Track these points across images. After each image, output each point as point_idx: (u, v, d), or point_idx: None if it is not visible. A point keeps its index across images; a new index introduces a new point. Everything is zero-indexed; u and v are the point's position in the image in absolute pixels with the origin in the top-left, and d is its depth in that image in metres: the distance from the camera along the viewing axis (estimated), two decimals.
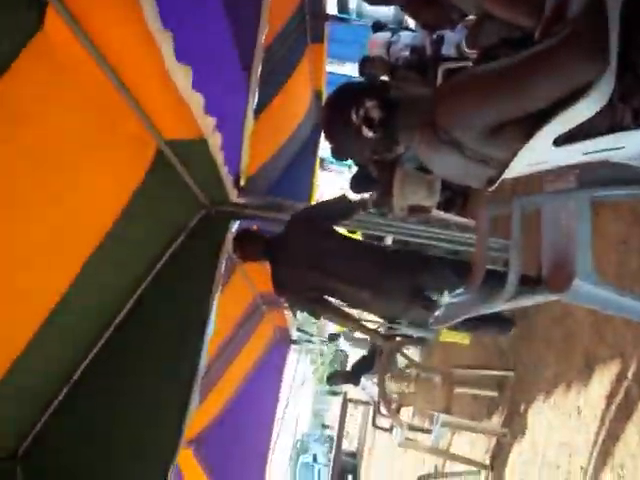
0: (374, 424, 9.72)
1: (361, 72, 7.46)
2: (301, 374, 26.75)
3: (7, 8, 1.97)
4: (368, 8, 12.80)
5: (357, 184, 9.10)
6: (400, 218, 7.27)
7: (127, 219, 3.19)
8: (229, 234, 4.39)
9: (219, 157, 3.69)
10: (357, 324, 5.15)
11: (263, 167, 6.32)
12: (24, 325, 2.88)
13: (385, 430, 9.50)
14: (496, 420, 5.73)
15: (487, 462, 5.67)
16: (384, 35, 8.16)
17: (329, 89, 7.98)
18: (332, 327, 20.43)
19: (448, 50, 6.88)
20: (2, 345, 2.81)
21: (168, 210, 3.86)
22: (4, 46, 2.03)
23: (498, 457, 5.45)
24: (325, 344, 18.01)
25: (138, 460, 3.45)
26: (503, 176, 1.98)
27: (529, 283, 3.20)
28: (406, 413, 8.73)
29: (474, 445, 6.22)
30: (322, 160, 14.08)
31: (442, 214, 7.48)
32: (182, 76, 2.71)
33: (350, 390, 14.76)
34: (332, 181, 23.36)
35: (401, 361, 6.01)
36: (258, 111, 4.53)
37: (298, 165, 8.42)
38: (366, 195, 10.40)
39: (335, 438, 14.61)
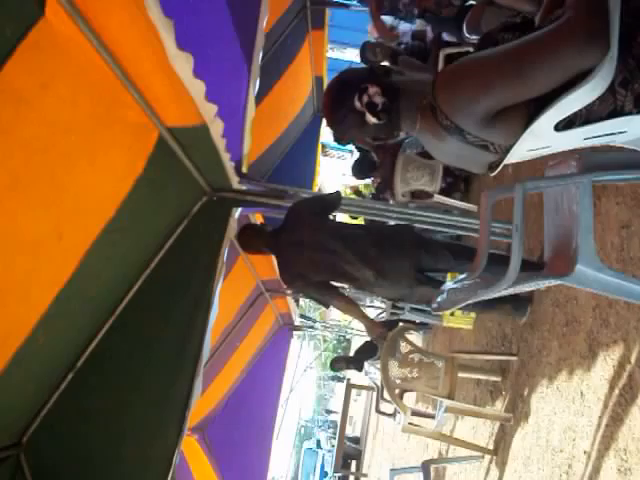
0: (377, 409, 9.74)
1: (362, 58, 7.44)
2: (304, 360, 26.83)
3: None
4: None
5: (359, 170, 9.11)
6: (402, 203, 7.29)
7: (129, 206, 3.19)
8: (231, 220, 4.39)
9: (221, 144, 3.68)
10: (360, 313, 5.17)
11: (265, 153, 6.33)
12: (27, 313, 2.88)
13: (388, 415, 9.52)
14: (499, 405, 5.74)
15: (490, 447, 5.69)
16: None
17: (330, 75, 7.97)
18: (335, 314, 20.49)
19: (449, 35, 6.87)
20: (5, 333, 2.81)
21: (170, 197, 3.86)
22: (6, 33, 2.03)
23: (501, 442, 5.46)
24: (328, 330, 18.05)
25: (142, 447, 3.46)
26: (505, 161, 1.98)
27: (532, 268, 3.21)
28: (409, 398, 8.75)
29: (477, 430, 6.23)
30: (324, 146, 14.05)
31: (444, 199, 7.49)
32: (183, 63, 2.70)
33: (354, 375, 14.81)
34: (334, 167, 23.35)
35: (404, 346, 6.00)
36: (259, 97, 4.52)
37: (300, 151, 8.43)
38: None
39: (339, 423, 14.62)
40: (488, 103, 1.80)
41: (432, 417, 6.55)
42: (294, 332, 9.95)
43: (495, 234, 4.53)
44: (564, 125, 1.80)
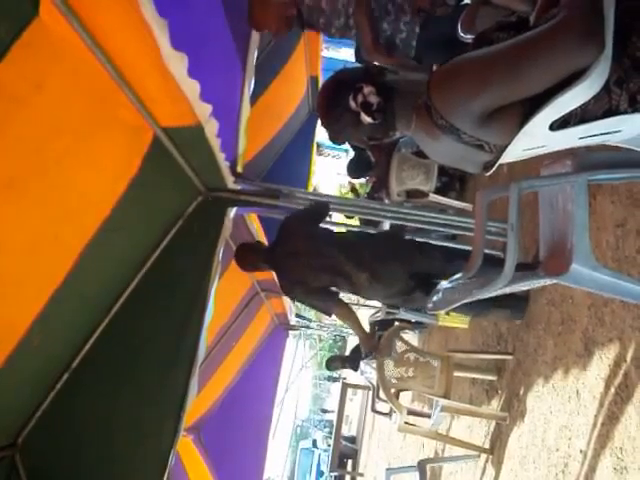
0: (373, 409, 9.75)
1: (357, 57, 7.43)
2: (300, 360, 26.83)
3: None
4: None
5: (354, 169, 9.11)
6: (397, 203, 7.28)
7: (124, 206, 3.18)
8: (227, 220, 4.39)
9: (215, 144, 3.68)
10: (357, 324, 5.14)
11: (260, 153, 6.32)
12: (22, 313, 2.88)
13: (384, 415, 9.53)
14: (495, 404, 5.74)
15: (487, 446, 5.69)
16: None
17: (325, 75, 7.95)
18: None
19: None
20: (2, 333, 2.81)
21: (165, 197, 3.86)
22: (1, 33, 2.02)
23: (497, 441, 5.46)
24: (324, 329, 18.07)
25: (138, 448, 3.46)
26: (500, 161, 1.98)
27: (527, 268, 3.21)
28: (405, 398, 8.75)
29: (473, 429, 6.24)
30: (319, 145, 14.05)
31: (439, 198, 7.49)
32: (178, 63, 2.70)
33: (349, 375, 14.82)
34: (329, 166, 23.35)
35: (400, 346, 6.01)
36: (254, 97, 4.52)
37: (295, 151, 8.40)
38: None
39: (335, 423, 14.64)
40: (483, 102, 1.80)
41: (428, 416, 6.55)
42: (290, 332, 9.95)
43: (490, 233, 4.54)
44: (559, 124, 1.80)
